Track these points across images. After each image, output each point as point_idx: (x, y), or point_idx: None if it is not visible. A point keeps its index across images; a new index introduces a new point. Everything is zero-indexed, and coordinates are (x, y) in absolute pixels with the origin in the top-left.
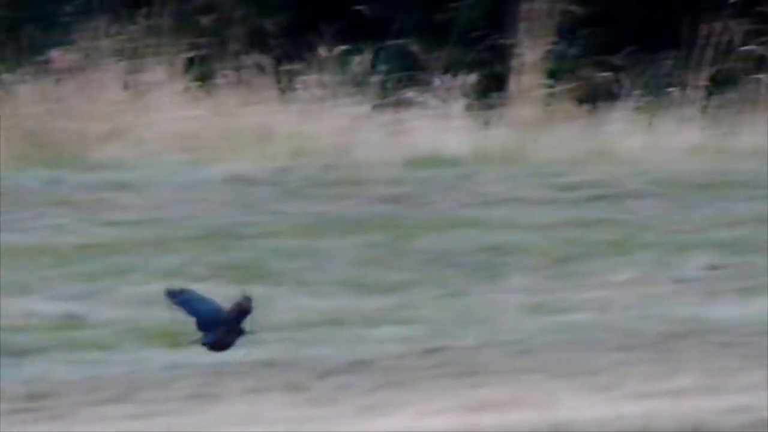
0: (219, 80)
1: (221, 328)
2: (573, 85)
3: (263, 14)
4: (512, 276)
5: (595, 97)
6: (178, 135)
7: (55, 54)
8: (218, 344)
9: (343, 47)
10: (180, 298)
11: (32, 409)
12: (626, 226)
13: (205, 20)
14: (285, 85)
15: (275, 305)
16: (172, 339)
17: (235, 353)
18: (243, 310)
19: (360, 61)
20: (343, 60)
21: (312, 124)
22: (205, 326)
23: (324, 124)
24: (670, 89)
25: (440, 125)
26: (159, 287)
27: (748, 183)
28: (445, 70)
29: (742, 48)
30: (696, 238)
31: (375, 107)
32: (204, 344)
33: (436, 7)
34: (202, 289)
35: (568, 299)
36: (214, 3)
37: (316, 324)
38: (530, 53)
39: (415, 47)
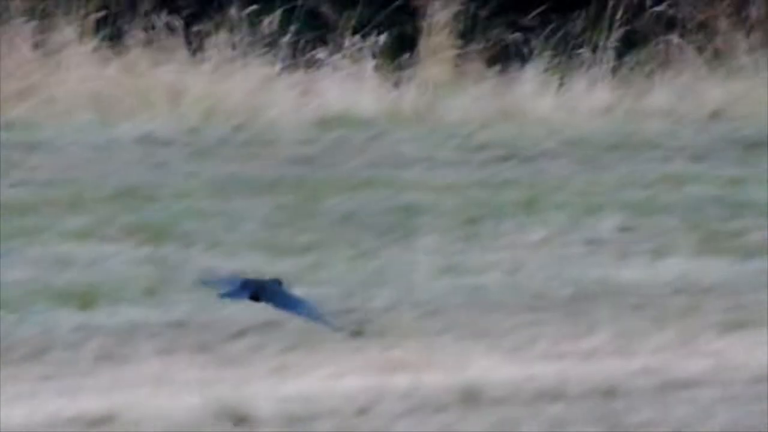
0: (129, 40)
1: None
2: (484, 45)
3: None
4: (423, 237)
5: (505, 57)
6: (88, 95)
7: None
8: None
9: (254, 7)
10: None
11: None
12: (537, 186)
13: None
14: (195, 46)
15: (187, 266)
16: (83, 300)
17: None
18: None
19: (270, 22)
20: (254, 20)
21: (223, 84)
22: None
23: (235, 85)
24: (581, 50)
25: (351, 86)
26: (70, 248)
27: (658, 144)
28: (356, 31)
29: (653, 8)
30: (607, 198)
31: (285, 68)
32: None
33: None
34: (114, 249)
35: (479, 260)
36: None
37: None
38: (441, 13)
39: (325, 7)
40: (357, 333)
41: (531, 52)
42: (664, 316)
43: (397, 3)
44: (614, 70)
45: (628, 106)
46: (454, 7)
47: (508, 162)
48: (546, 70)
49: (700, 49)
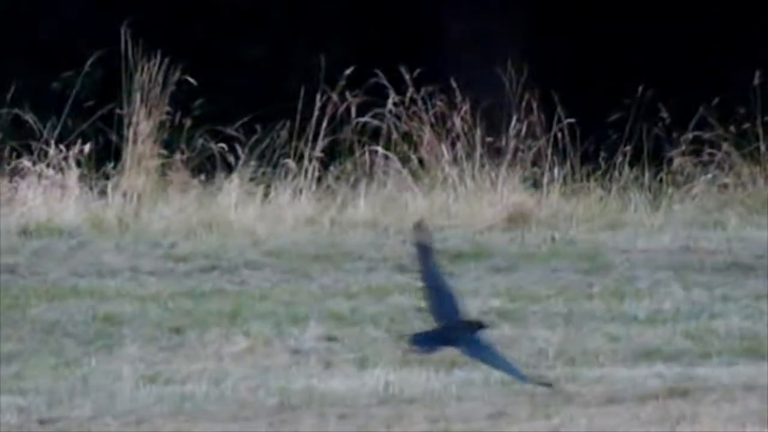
0: None
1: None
2: (188, 155)
3: None
4: (127, 346)
5: (210, 167)
6: None
7: None
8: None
9: None
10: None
11: None
12: (241, 296)
13: None
14: None
15: None
16: None
17: None
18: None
19: None
20: None
21: None
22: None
23: None
24: (286, 160)
25: (55, 195)
26: None
27: (362, 254)
28: (60, 140)
29: (358, 119)
30: (311, 309)
31: None
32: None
33: (51, 75)
34: None
35: (182, 370)
36: None
37: None
38: (145, 123)
39: (29, 116)
40: (548, 385)
41: (236, 162)
42: (369, 426)
43: (101, 112)
44: (319, 181)
45: (332, 216)
46: (159, 117)
47: (212, 272)
48: (251, 180)
49: (404, 160)
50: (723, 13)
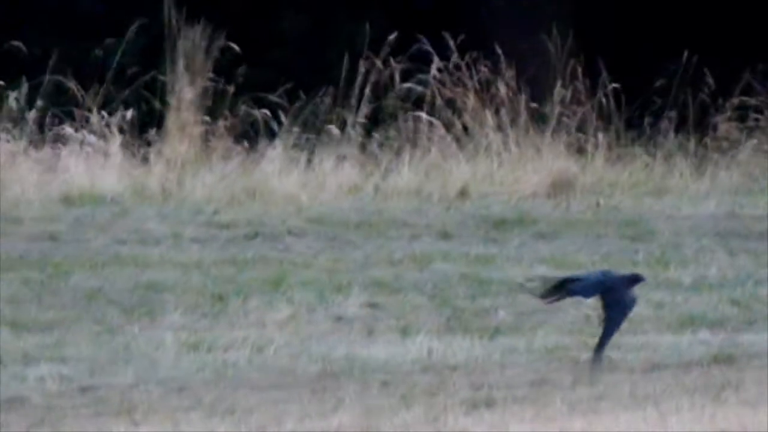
0: None
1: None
2: (231, 122)
3: None
4: (169, 313)
5: (253, 134)
6: None
7: None
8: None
9: None
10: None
11: None
12: (284, 264)
13: None
14: None
15: None
16: None
17: None
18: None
19: (17, 97)
20: None
21: None
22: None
23: None
24: (329, 127)
25: (97, 162)
26: None
27: (405, 222)
28: (103, 107)
29: (401, 85)
30: (354, 276)
31: (31, 143)
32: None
33: (93, 43)
34: None
35: (225, 337)
36: None
37: None
38: (188, 90)
39: (71, 83)
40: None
41: (279, 129)
42: (411, 394)
43: (144, 79)
44: (362, 147)
45: (375, 183)
46: (202, 84)
47: (254, 240)
48: (294, 147)
49: (448, 127)
50: None
